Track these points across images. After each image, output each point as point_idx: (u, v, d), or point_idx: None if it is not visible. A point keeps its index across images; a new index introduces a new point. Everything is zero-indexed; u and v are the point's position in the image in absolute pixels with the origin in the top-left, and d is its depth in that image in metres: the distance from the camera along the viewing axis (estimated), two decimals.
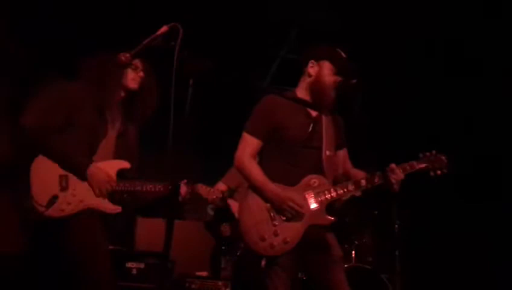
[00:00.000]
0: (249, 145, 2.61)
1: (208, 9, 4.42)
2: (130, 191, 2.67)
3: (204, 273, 4.34)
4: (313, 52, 2.69)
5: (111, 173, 2.64)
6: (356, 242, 4.43)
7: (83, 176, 2.56)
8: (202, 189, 2.84)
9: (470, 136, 4.87)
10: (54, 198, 2.49)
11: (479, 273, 4.80)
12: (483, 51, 4.54)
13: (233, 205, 4.03)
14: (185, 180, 2.75)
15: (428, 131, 5.02)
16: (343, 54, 2.65)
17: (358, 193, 3.59)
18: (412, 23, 4.36)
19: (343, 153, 2.79)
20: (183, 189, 2.73)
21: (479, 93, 4.84)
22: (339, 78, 2.60)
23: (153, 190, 2.65)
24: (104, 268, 2.49)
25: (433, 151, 2.63)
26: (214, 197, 2.92)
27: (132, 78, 2.70)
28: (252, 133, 2.62)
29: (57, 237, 2.51)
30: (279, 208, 2.50)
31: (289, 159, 2.59)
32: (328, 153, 2.62)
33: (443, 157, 2.62)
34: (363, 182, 2.54)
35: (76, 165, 2.56)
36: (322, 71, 2.63)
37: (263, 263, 2.49)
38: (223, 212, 4.12)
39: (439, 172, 2.61)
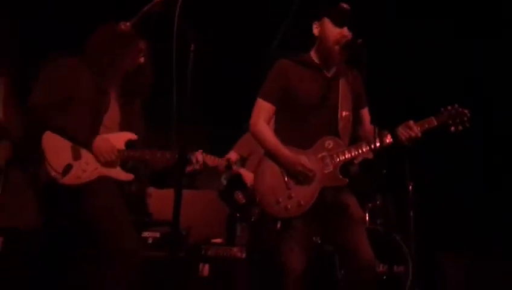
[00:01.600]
0: (262, 110, 2.63)
1: None
2: (139, 160, 2.71)
3: (219, 240, 4.41)
4: (315, 14, 2.66)
5: (119, 144, 2.67)
6: (369, 205, 4.43)
7: (90, 149, 2.60)
8: (207, 158, 2.86)
9: (483, 94, 4.77)
10: (69, 167, 2.54)
11: (496, 232, 4.79)
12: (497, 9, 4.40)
13: (246, 174, 4.05)
14: (191, 149, 2.78)
15: (442, 90, 4.92)
16: (343, 5, 2.59)
17: (370, 156, 3.57)
18: None
19: (364, 112, 2.75)
20: (193, 157, 2.75)
21: (494, 55, 4.72)
22: (342, 31, 2.55)
23: (161, 158, 2.68)
24: (127, 226, 2.53)
25: (455, 105, 2.57)
26: (219, 164, 2.93)
27: (133, 62, 2.70)
28: (265, 98, 2.64)
29: (75, 203, 2.54)
30: (290, 171, 2.52)
31: (303, 121, 2.59)
32: (344, 113, 2.61)
33: (465, 111, 2.56)
34: (377, 142, 2.45)
35: (82, 144, 2.60)
36: (323, 28, 2.61)
37: (279, 225, 2.52)
38: (236, 180, 4.14)
39: (460, 127, 2.54)
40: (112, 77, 2.69)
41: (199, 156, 2.75)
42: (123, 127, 2.75)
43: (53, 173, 2.50)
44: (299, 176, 2.51)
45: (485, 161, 5.00)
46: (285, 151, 2.54)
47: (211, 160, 2.87)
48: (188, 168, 2.79)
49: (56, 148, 2.56)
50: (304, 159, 2.52)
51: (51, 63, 2.66)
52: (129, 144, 2.71)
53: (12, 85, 4.63)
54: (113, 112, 2.71)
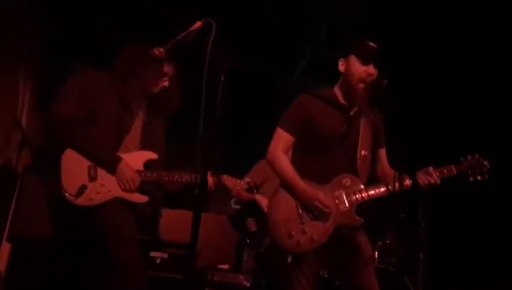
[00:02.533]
0: (281, 140, 2.64)
1: (238, 6, 4.43)
2: (157, 181, 2.71)
3: (226, 267, 4.38)
4: (341, 51, 2.70)
5: (137, 164, 2.69)
6: (380, 243, 4.39)
7: (112, 171, 2.60)
8: (228, 180, 2.85)
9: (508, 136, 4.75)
10: (83, 188, 2.54)
11: (506, 278, 4.71)
12: None
13: (262, 200, 4.03)
14: (211, 171, 2.79)
15: (462, 132, 4.91)
16: (370, 44, 2.62)
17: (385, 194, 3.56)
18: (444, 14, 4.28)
19: (382, 153, 2.76)
20: (210, 180, 2.74)
21: None
22: (368, 69, 2.57)
23: (179, 180, 2.69)
24: (133, 251, 2.53)
25: (476, 155, 2.57)
26: (240, 187, 2.92)
27: (156, 84, 2.72)
28: (285, 129, 2.65)
29: (87, 223, 2.56)
30: (306, 206, 2.51)
31: (322, 156, 2.59)
32: (363, 152, 2.61)
33: (485, 163, 2.55)
34: (396, 184, 2.49)
35: (105, 160, 2.60)
36: (349, 65, 2.63)
37: (290, 259, 2.50)
38: (249, 206, 4.13)
39: (479, 178, 2.54)
40: (136, 96, 2.71)
41: (209, 179, 2.72)
42: (144, 147, 2.76)
43: (67, 195, 2.51)
44: (315, 211, 2.51)
45: (498, 204, 4.95)
46: (302, 184, 2.53)
47: (232, 182, 2.86)
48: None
49: (73, 167, 2.57)
50: (322, 195, 2.51)
51: (78, 74, 2.68)
52: (148, 163, 2.73)
53: (38, 88, 4.70)
54: (134, 132, 2.73)
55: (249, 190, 3.14)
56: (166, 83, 2.73)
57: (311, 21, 4.73)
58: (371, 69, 2.57)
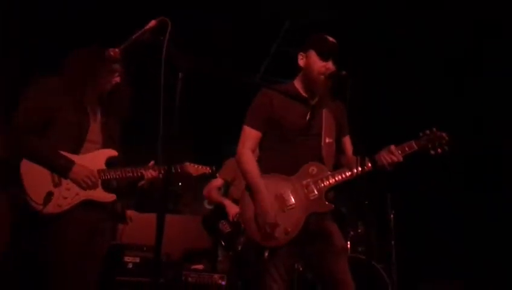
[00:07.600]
0: (248, 138, 2.65)
1: (200, 3, 4.41)
2: (122, 178, 2.68)
3: (200, 267, 4.36)
4: (302, 45, 2.71)
5: (99, 163, 2.65)
6: (351, 232, 4.45)
7: (66, 176, 2.55)
8: (190, 167, 2.84)
9: (467, 123, 4.87)
10: (50, 195, 2.47)
11: (475, 261, 4.83)
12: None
13: (229, 206, 4.02)
14: (175, 164, 2.78)
15: (424, 119, 5.02)
16: (330, 39, 2.64)
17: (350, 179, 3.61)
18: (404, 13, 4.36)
19: (346, 140, 2.79)
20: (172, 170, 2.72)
21: (477, 86, 4.87)
22: (327, 64, 2.59)
23: (143, 174, 2.68)
24: (74, 274, 2.46)
25: (433, 129, 2.61)
26: (202, 172, 2.90)
27: (108, 82, 2.69)
28: (251, 126, 2.66)
29: (47, 233, 2.48)
30: (261, 216, 2.49)
31: (288, 148, 2.61)
32: (327, 140, 2.64)
33: (443, 134, 2.59)
34: (359, 168, 2.48)
35: (57, 166, 2.54)
36: (309, 60, 2.65)
37: (266, 254, 2.49)
38: (222, 208, 4.11)
39: (439, 150, 2.57)
40: (91, 98, 2.66)
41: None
42: (105, 146, 2.71)
43: (33, 204, 2.44)
44: (264, 226, 2.48)
45: (467, 189, 5.07)
46: (263, 194, 2.51)
47: (194, 169, 2.85)
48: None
49: (36, 175, 2.50)
50: (273, 217, 2.48)
51: (34, 84, 2.62)
52: (110, 161, 2.68)
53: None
54: (95, 133, 2.68)
55: (212, 175, 3.12)
56: (118, 79, 2.70)
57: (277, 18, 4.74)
58: (330, 64, 2.59)
